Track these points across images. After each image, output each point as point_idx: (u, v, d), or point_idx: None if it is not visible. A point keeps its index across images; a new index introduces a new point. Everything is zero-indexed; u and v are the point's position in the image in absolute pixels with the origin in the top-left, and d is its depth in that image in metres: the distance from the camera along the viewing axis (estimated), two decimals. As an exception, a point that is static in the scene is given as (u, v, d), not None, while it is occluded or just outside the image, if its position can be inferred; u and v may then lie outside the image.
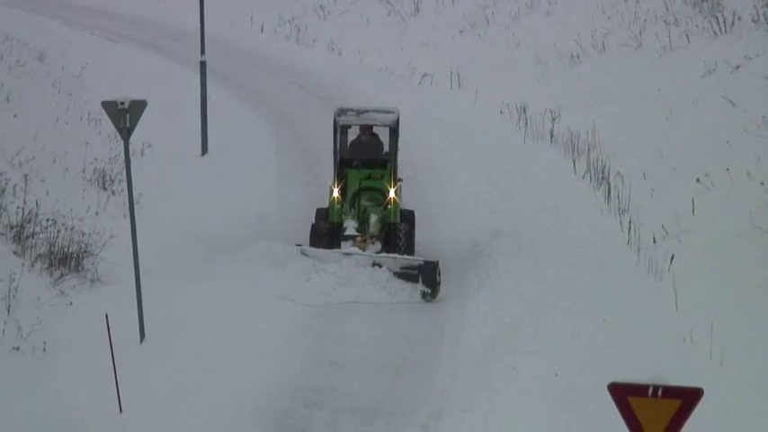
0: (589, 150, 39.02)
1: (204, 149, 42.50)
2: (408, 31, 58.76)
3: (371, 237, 31.28)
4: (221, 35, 49.37)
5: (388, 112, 33.68)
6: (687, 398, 13.12)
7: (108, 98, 29.84)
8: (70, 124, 42.21)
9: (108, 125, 32.42)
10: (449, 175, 39.97)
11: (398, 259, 30.55)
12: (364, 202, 32.21)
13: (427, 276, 30.23)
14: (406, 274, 30.39)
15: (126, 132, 29.19)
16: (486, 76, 49.82)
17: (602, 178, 37.31)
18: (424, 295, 30.18)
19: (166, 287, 29.89)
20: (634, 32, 48.69)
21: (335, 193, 32.26)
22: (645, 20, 48.96)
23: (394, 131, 32.95)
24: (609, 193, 36.44)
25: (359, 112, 33.65)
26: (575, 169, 38.88)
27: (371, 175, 32.79)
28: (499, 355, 27.86)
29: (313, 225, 32.21)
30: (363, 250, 30.81)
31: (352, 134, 34.49)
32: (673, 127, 39.03)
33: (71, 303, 30.21)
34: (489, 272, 32.34)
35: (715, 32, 44.54)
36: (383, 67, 53.74)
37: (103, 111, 30.27)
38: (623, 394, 13.19)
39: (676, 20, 47.45)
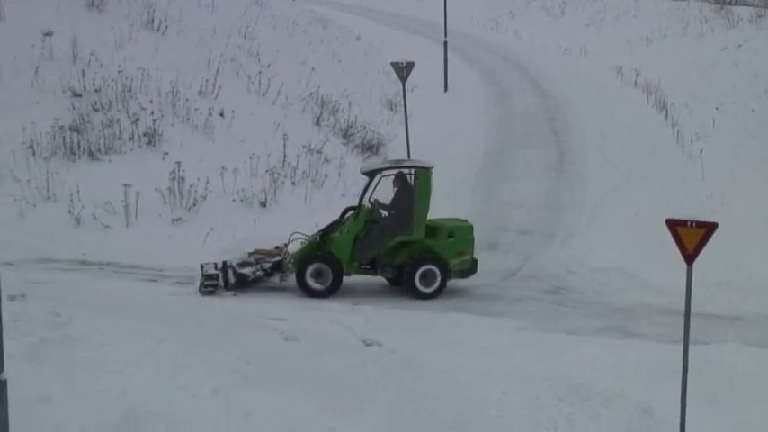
0: (656, 91, 38.20)
1: (446, 89, 42.30)
2: (558, 25, 57.87)
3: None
4: (456, 27, 48.97)
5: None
6: (709, 228, 12.89)
7: (394, 60, 29.90)
8: (371, 75, 42.22)
9: (393, 74, 32.40)
10: (580, 102, 39.38)
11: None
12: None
13: None
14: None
15: (403, 79, 29.26)
16: (600, 51, 48.97)
17: (663, 107, 36.50)
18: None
19: (424, 159, 29.91)
20: (682, 27, 47.73)
21: None
22: (688, 20, 48.08)
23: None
24: (667, 114, 35.67)
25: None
26: (647, 101, 38.11)
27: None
28: (605, 203, 27.64)
29: None
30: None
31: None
32: (702, 78, 38.21)
33: (373, 171, 30.42)
34: (602, 156, 32.01)
35: (727, 27, 43.84)
36: (544, 45, 52.95)
37: (391, 67, 30.32)
38: (674, 225, 12.98)
39: (706, 19, 46.53)
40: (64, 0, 32.51)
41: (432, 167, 22.18)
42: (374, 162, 24.18)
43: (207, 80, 30.42)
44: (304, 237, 21.83)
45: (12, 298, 16.82)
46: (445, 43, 43.15)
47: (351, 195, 27.61)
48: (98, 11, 33.13)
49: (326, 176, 28.10)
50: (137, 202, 23.99)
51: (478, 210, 27.80)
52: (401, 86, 30.16)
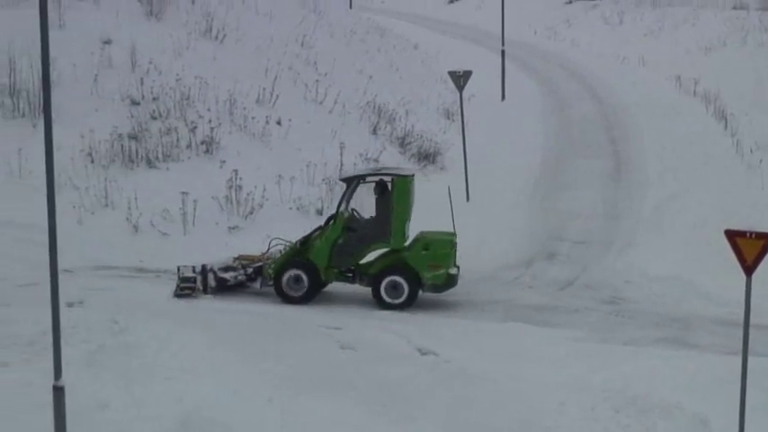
0: (715, 100, 37.92)
1: (503, 97, 42.21)
2: (615, 34, 57.61)
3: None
4: (513, 36, 48.83)
5: None
6: (769, 239, 12.84)
7: (451, 69, 29.90)
8: (429, 83, 42.23)
9: (451, 83, 32.31)
10: (638, 111, 39.00)
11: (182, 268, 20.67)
12: None
13: None
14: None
15: (460, 88, 29.24)
16: (659, 60, 48.68)
17: (722, 116, 36.22)
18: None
19: (481, 168, 29.80)
20: (741, 36, 47.38)
21: None
22: (747, 29, 47.72)
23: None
24: (726, 124, 35.40)
25: None
26: (706, 111, 37.83)
27: None
28: (663, 213, 27.44)
29: None
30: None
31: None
32: (762, 88, 37.96)
33: (429, 180, 30.29)
34: (660, 166, 31.76)
35: (788, 35, 43.66)
36: (602, 54, 52.74)
37: (448, 76, 30.34)
38: (733, 236, 12.89)
39: (766, 28, 46.23)
40: (123, 8, 32.84)
41: (411, 175, 21.76)
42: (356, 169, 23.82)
43: (264, 88, 30.57)
44: (285, 243, 21.76)
45: (70, 305, 17.02)
46: (503, 52, 43.08)
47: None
48: (156, 19, 33.42)
49: (383, 185, 28.16)
50: (194, 209, 24.15)
51: (536, 219, 27.75)
52: (458, 95, 30.14)
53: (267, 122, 28.97)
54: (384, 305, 20.65)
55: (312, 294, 20.94)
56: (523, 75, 47.14)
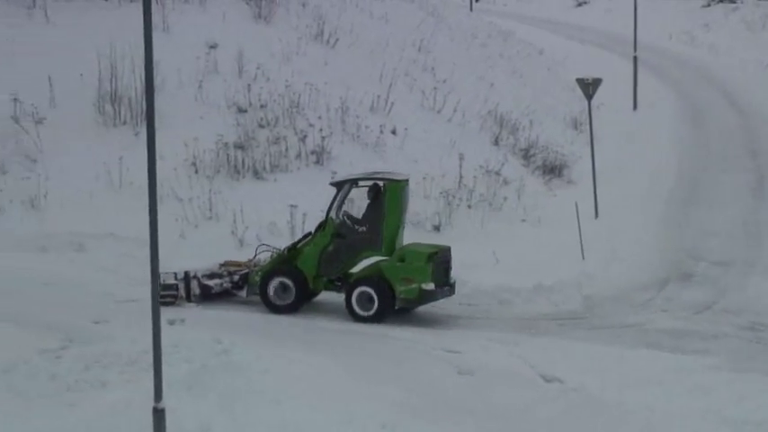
0: None
1: (635, 106, 41.80)
2: (758, 38, 56.78)
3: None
4: (646, 40, 48.35)
5: None
6: None
7: (579, 76, 29.64)
8: (555, 91, 41.99)
9: (578, 91, 32.03)
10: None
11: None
12: None
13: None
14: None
15: (589, 97, 28.94)
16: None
17: None
18: None
19: (611, 183, 29.45)
20: None
21: None
22: None
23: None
24: None
25: None
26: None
27: None
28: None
29: None
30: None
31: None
32: None
33: (555, 195, 30.14)
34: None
35: None
36: (743, 60, 51.76)
37: (576, 83, 30.06)
38: None
39: None
40: (230, 11, 33.13)
41: (405, 180, 21.32)
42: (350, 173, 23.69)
43: (378, 96, 30.58)
44: (272, 249, 21.65)
45: (171, 323, 17.13)
46: (635, 58, 42.74)
47: (532, 220, 27.49)
48: (265, 22, 33.65)
49: (505, 199, 27.98)
50: (303, 223, 24.18)
51: (669, 235, 27.40)
52: (587, 104, 29.85)
53: (381, 132, 28.96)
54: (355, 317, 20.36)
55: (299, 304, 20.87)
56: (657, 82, 46.68)
